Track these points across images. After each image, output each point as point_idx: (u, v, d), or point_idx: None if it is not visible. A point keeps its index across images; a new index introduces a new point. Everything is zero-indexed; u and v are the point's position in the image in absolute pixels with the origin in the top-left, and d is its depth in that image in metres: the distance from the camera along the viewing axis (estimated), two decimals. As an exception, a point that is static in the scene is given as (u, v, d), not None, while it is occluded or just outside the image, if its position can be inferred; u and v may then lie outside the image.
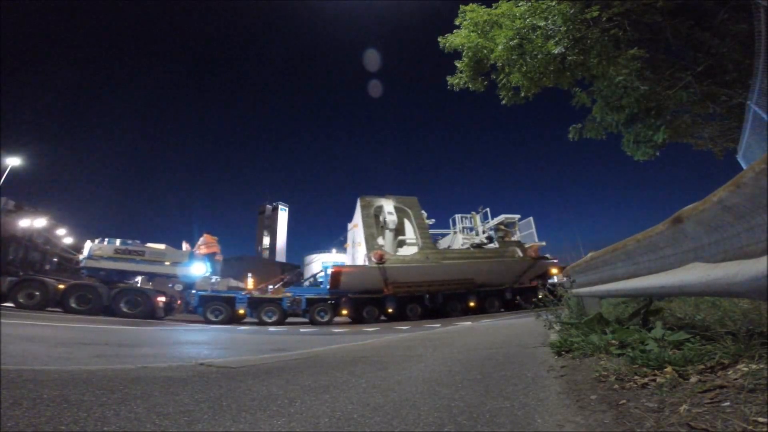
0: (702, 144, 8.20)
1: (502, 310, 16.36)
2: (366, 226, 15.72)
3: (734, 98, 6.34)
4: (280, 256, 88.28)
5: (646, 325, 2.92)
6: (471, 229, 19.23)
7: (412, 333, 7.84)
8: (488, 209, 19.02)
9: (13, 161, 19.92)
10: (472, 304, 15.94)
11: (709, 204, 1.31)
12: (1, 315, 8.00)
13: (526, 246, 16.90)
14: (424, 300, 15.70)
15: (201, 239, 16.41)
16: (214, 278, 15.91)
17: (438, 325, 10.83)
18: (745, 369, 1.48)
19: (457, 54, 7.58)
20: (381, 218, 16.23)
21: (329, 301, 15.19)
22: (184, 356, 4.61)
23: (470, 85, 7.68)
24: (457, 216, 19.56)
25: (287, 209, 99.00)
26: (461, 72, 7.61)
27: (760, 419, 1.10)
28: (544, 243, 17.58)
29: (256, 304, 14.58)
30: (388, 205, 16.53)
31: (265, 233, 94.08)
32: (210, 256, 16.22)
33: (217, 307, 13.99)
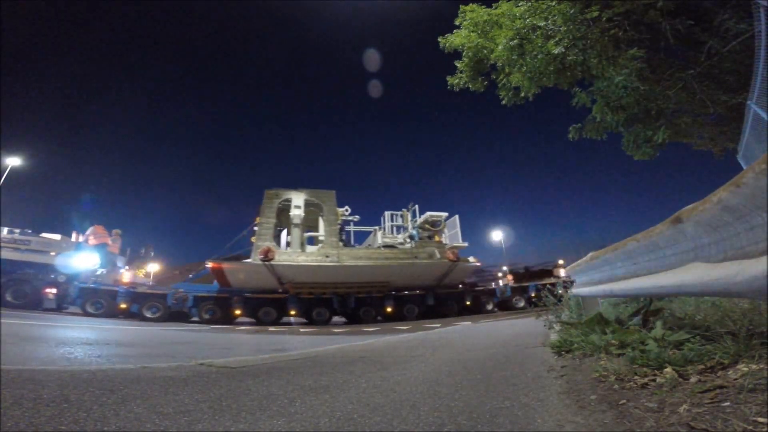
0: (702, 144, 8.20)
1: (421, 316, 15.26)
2: (264, 219, 14.70)
3: (734, 98, 6.34)
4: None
5: (646, 325, 2.92)
6: (403, 228, 18.13)
7: (412, 334, 7.84)
8: (417, 206, 17.71)
9: (13, 161, 19.93)
10: (389, 309, 14.84)
11: (709, 204, 1.30)
12: (0, 315, 7.99)
13: (446, 247, 15.94)
14: (332, 303, 14.44)
15: (89, 230, 15.90)
16: (99, 270, 15.24)
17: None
18: (745, 369, 1.48)
19: (457, 54, 7.59)
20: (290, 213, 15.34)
21: (220, 300, 13.89)
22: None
23: (470, 85, 7.69)
24: (387, 213, 18.35)
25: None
26: (461, 72, 7.61)
27: (760, 419, 1.10)
28: (466, 244, 16.82)
29: (139, 299, 13.54)
30: (297, 199, 15.50)
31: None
32: (100, 248, 15.63)
33: (97, 300, 13.16)
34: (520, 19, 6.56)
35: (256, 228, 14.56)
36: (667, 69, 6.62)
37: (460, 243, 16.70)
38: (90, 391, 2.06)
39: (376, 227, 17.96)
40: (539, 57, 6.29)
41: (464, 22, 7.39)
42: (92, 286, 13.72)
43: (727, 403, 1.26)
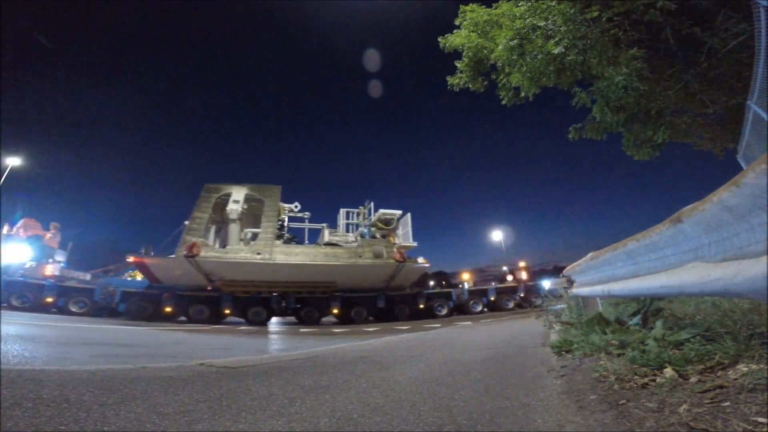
0: (702, 144, 8.20)
1: (371, 319, 14.76)
2: (197, 213, 14.10)
3: (734, 98, 6.34)
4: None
5: (646, 325, 2.92)
6: (357, 226, 17.48)
7: (412, 333, 7.84)
8: (372, 204, 17.00)
9: (13, 161, 19.93)
10: (335, 311, 14.16)
11: (709, 204, 1.30)
12: (0, 315, 7.99)
13: (394, 247, 15.21)
14: (271, 302, 13.79)
15: (20, 222, 15.53)
16: (28, 263, 14.66)
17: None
18: (745, 369, 1.48)
19: (457, 54, 7.59)
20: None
21: (149, 296, 13.19)
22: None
23: (470, 85, 7.68)
24: (342, 210, 17.61)
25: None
26: (461, 72, 7.61)
27: (760, 419, 1.10)
28: (415, 244, 16.17)
29: (66, 293, 12.94)
30: (237, 194, 14.86)
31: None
32: (33, 240, 15.15)
33: (23, 294, 12.58)
34: (520, 19, 6.56)
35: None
36: (667, 69, 6.62)
37: (410, 243, 16.05)
38: (90, 391, 2.06)
39: (324, 224, 17.06)
40: (539, 57, 6.29)
41: (464, 22, 7.39)
42: (19, 279, 13.16)
43: (727, 403, 1.26)
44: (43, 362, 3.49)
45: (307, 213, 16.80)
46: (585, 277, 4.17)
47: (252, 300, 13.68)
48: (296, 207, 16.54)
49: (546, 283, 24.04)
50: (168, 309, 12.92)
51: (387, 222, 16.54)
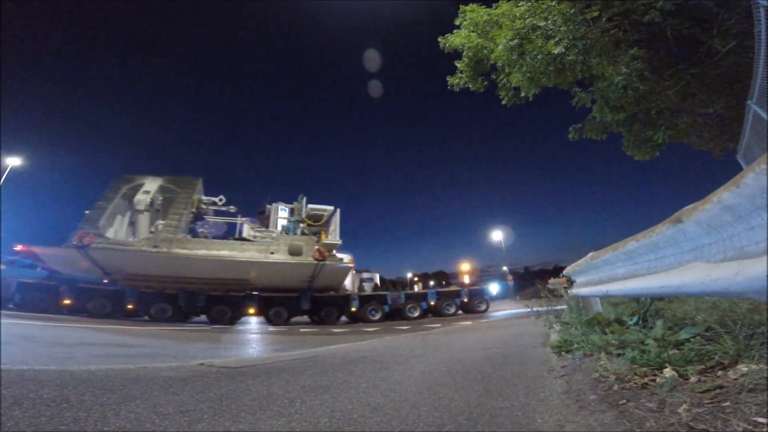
0: (702, 144, 8.21)
1: (305, 320, 14.15)
2: (101, 203, 13.48)
3: (734, 98, 6.34)
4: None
5: (646, 325, 2.92)
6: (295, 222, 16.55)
7: (412, 334, 7.84)
8: (305, 198, 16.33)
9: (13, 161, 19.94)
10: (251, 310, 13.46)
11: (709, 204, 1.30)
12: (0, 315, 7.99)
13: (316, 245, 14.45)
14: (178, 300, 12.87)
15: None
16: None
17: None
18: (745, 369, 1.48)
19: (457, 54, 7.59)
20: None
21: (46, 287, 12.33)
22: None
23: (470, 85, 7.69)
24: (273, 205, 16.72)
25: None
26: (461, 72, 7.61)
27: (760, 419, 1.10)
28: (339, 242, 15.51)
29: None
30: (150, 184, 14.21)
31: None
32: None
33: None
34: (520, 19, 6.56)
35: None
36: (667, 69, 6.63)
37: (334, 240, 15.41)
38: (90, 391, 2.06)
39: (245, 218, 16.16)
40: (539, 57, 6.29)
41: (464, 22, 7.39)
42: None
43: (727, 403, 1.26)
44: (44, 362, 3.49)
45: (232, 207, 16.02)
46: (585, 277, 4.17)
47: (157, 296, 12.77)
48: (220, 200, 15.80)
49: (494, 287, 23.53)
50: (67, 302, 11.99)
51: (316, 218, 15.87)
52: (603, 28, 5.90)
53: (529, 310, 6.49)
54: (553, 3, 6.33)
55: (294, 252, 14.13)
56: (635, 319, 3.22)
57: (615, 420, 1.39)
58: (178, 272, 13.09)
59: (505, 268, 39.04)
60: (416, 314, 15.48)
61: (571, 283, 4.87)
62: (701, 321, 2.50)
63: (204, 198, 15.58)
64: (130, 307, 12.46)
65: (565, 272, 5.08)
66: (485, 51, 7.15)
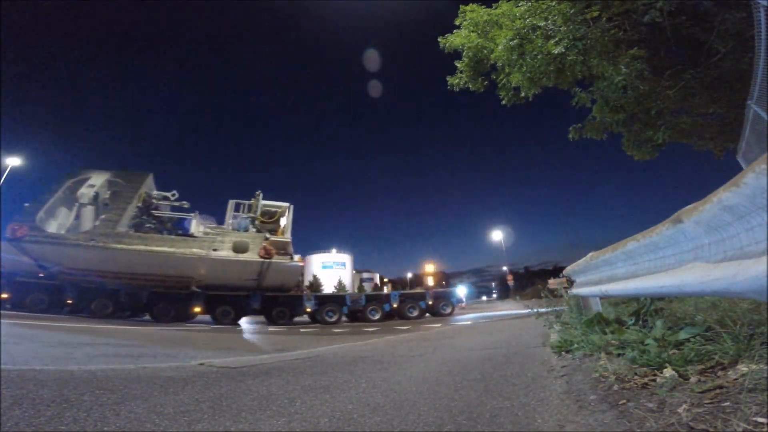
0: (702, 144, 8.21)
1: (235, 320, 13.55)
2: (40, 196, 13.27)
3: (734, 98, 6.34)
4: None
5: (646, 325, 2.92)
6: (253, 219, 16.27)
7: (412, 333, 7.84)
8: (261, 193, 15.85)
9: (13, 161, 19.95)
10: (197, 309, 13.13)
11: (709, 204, 1.30)
12: (1, 315, 8.00)
13: (265, 242, 14.03)
14: (119, 296, 12.54)
15: None
16: None
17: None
18: (745, 369, 1.48)
19: (457, 54, 7.59)
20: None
21: None
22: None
23: (470, 85, 7.68)
24: (231, 202, 16.30)
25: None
26: (461, 72, 7.61)
27: (760, 419, 1.10)
28: (288, 239, 14.91)
29: None
30: (96, 179, 13.99)
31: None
32: None
33: None
34: (520, 19, 6.56)
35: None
36: (667, 69, 6.63)
37: (284, 238, 14.91)
38: (90, 391, 2.06)
39: (194, 213, 15.65)
40: (539, 57, 6.29)
41: (464, 22, 7.39)
42: None
43: (727, 403, 1.26)
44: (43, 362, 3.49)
45: (185, 202, 15.66)
46: (585, 277, 4.17)
47: (98, 292, 12.44)
48: (173, 195, 15.55)
49: (461, 290, 23.24)
50: (4, 295, 11.62)
51: (270, 215, 15.54)
52: (603, 28, 5.90)
53: (529, 311, 6.49)
54: (553, 3, 6.33)
55: (239, 249, 13.75)
56: (635, 319, 3.23)
57: (615, 420, 1.39)
58: (116, 267, 12.72)
59: (505, 268, 39.05)
60: (377, 317, 15.00)
61: (571, 283, 4.87)
62: (701, 321, 2.50)
63: (154, 193, 15.30)
64: (69, 302, 12.11)
65: (565, 272, 5.08)
66: (485, 51, 7.15)
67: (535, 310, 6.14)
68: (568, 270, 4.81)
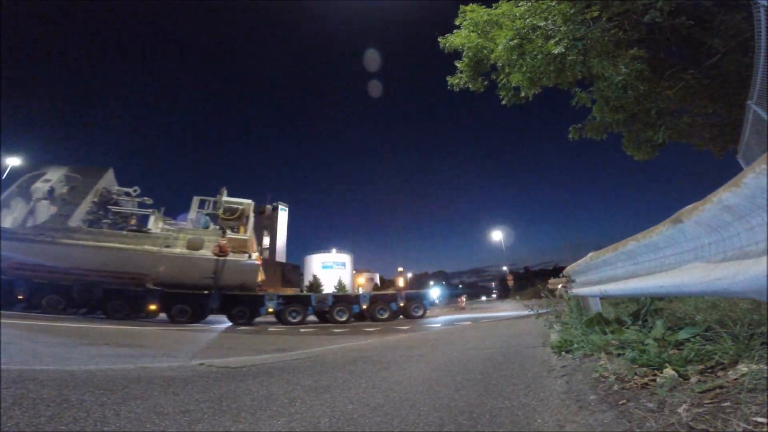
0: (702, 144, 8.21)
1: (192, 318, 13.22)
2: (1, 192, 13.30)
3: (734, 98, 6.34)
4: (280, 256, 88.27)
5: (646, 325, 2.92)
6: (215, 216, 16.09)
7: (412, 333, 7.84)
8: (225, 190, 15.71)
9: (13, 161, 19.95)
10: (153, 306, 12.90)
11: (709, 204, 1.30)
12: (1, 315, 8.00)
13: (221, 240, 13.82)
14: (72, 292, 12.32)
15: None
16: None
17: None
18: (745, 369, 1.48)
19: (457, 54, 7.59)
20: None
21: None
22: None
23: (470, 85, 7.68)
24: (196, 198, 15.96)
25: (287, 209, 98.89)
26: (461, 72, 7.61)
27: (760, 419, 1.10)
28: (245, 237, 14.69)
29: None
30: (53, 174, 13.90)
31: (265, 233, 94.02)
32: None
33: None
34: (520, 19, 6.56)
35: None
36: (667, 69, 6.63)
37: (241, 235, 14.69)
38: (90, 391, 2.06)
39: (155, 209, 15.47)
40: (539, 57, 6.29)
41: (464, 22, 7.39)
42: None
43: (727, 403, 1.26)
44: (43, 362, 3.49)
45: (147, 198, 15.52)
46: (585, 277, 4.17)
47: (50, 287, 12.22)
48: (135, 191, 15.37)
49: (435, 291, 22.77)
50: None
51: (232, 211, 15.25)
52: (603, 28, 5.90)
53: (516, 312, 6.48)
54: (553, 3, 6.33)
55: (193, 246, 13.57)
56: (635, 319, 3.22)
57: (615, 420, 1.39)
58: (68, 263, 12.52)
59: (505, 268, 39.09)
60: (344, 318, 14.73)
61: (570, 282, 4.87)
62: (701, 321, 2.50)
63: (115, 188, 15.14)
64: (20, 297, 11.90)
65: (565, 272, 5.09)
66: (485, 51, 7.15)
67: (536, 311, 6.14)
68: (568, 270, 4.81)
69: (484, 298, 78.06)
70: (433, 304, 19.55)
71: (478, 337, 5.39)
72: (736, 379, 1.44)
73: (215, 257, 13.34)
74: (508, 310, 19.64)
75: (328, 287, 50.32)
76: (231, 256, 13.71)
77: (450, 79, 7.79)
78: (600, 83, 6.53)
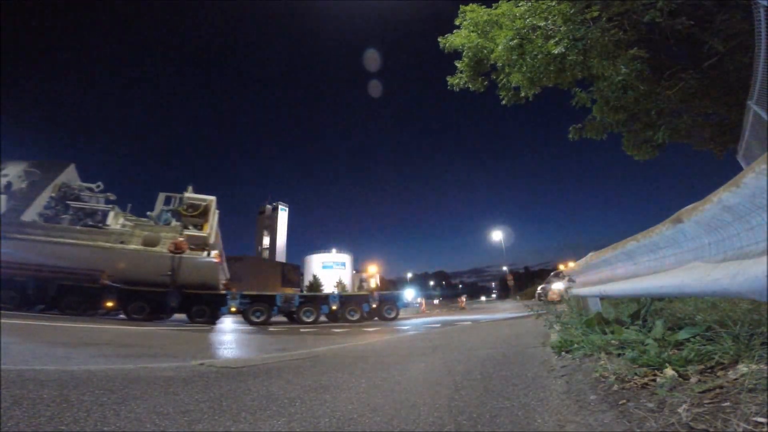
0: (702, 144, 8.21)
1: (152, 315, 13.07)
2: None
3: (734, 98, 6.34)
4: (280, 256, 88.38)
5: (646, 325, 2.92)
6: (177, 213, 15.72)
7: (412, 333, 7.84)
8: (191, 187, 15.45)
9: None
10: (109, 303, 12.79)
11: (709, 204, 1.31)
12: (1, 315, 8.00)
13: (178, 236, 13.57)
14: (26, 288, 12.21)
15: None
16: None
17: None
18: (745, 369, 1.48)
19: (457, 54, 7.59)
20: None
21: None
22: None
23: (470, 85, 7.69)
24: (161, 194, 15.62)
25: (287, 209, 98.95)
26: (461, 72, 7.61)
27: (760, 419, 1.10)
28: (204, 234, 14.39)
29: None
30: (11, 169, 13.78)
31: (265, 233, 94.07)
32: None
33: None
34: (520, 19, 6.56)
35: None
36: (667, 69, 6.63)
37: (200, 232, 14.35)
38: (90, 391, 2.06)
39: (114, 206, 15.18)
40: (539, 57, 6.29)
41: (464, 22, 7.39)
42: None
43: (727, 403, 1.26)
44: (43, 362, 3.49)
45: (111, 194, 15.25)
46: (585, 277, 4.18)
47: (3, 283, 11.95)
48: (98, 187, 15.19)
49: (409, 292, 22.23)
50: None
51: (194, 208, 14.92)
52: (603, 28, 5.90)
53: (508, 315, 6.49)
54: (553, 3, 6.33)
55: (149, 243, 13.37)
56: (635, 319, 3.22)
57: (615, 420, 1.39)
58: (21, 258, 12.38)
59: (505, 268, 39.10)
60: (311, 319, 14.38)
61: (571, 283, 4.87)
62: (701, 321, 2.50)
63: (76, 183, 14.94)
64: None
65: (565, 272, 5.09)
66: (485, 51, 7.15)
67: (536, 311, 6.15)
68: (569, 270, 4.82)
69: (483, 298, 78.08)
70: (406, 305, 19.07)
71: (478, 337, 5.39)
72: (736, 379, 1.44)
73: (170, 254, 13.05)
74: (508, 310, 19.63)
75: (328, 287, 50.28)
76: (188, 254, 13.43)
77: (450, 79, 7.79)
78: (600, 83, 6.54)
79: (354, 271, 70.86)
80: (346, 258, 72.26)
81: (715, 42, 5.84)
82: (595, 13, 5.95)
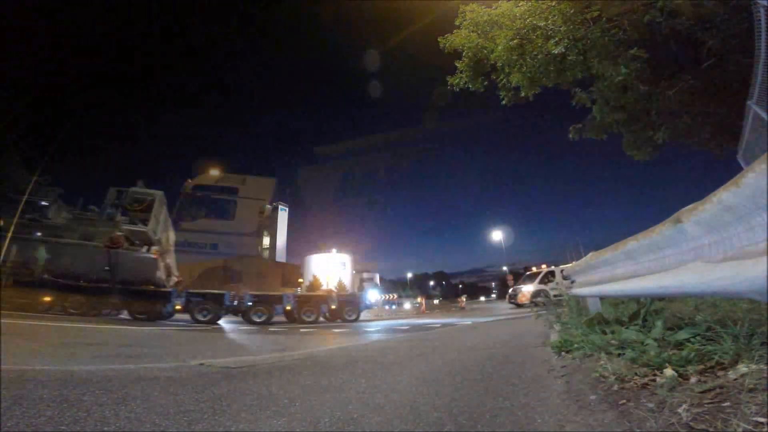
0: (702, 144, 8.21)
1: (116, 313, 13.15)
2: None
3: (734, 98, 6.34)
4: (280, 256, 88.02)
5: (646, 325, 2.92)
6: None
7: (412, 334, 7.84)
8: (141, 181, 15.38)
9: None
10: (47, 298, 12.58)
11: (709, 204, 1.31)
12: (1, 315, 7.99)
13: (116, 231, 13.37)
14: None
15: None
16: None
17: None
18: (745, 369, 1.48)
19: (457, 54, 7.59)
20: None
21: None
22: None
23: (470, 85, 7.68)
24: (112, 189, 15.31)
25: (287, 209, 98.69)
26: (461, 72, 7.61)
27: (760, 419, 1.10)
28: (144, 229, 14.22)
29: None
30: None
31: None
32: None
33: None
34: (520, 19, 6.56)
35: None
36: (667, 69, 6.63)
37: (140, 227, 14.12)
38: (90, 391, 2.06)
39: (56, 201, 14.95)
40: (539, 57, 6.29)
41: (464, 23, 7.39)
42: None
43: (727, 403, 1.26)
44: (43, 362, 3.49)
45: (57, 188, 15.00)
46: (585, 277, 4.17)
47: None
48: (45, 180, 14.94)
49: (373, 294, 21.80)
50: None
51: (140, 202, 14.67)
52: (603, 28, 5.90)
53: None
54: (553, 3, 6.33)
55: (87, 237, 13.26)
56: (635, 319, 3.22)
57: (615, 420, 1.39)
58: None
59: (505, 268, 39.09)
60: (263, 319, 13.95)
61: (571, 283, 4.87)
62: (701, 321, 2.49)
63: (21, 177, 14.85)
64: None
65: (565, 272, 5.09)
66: (485, 51, 7.15)
67: (536, 311, 6.14)
68: (569, 270, 4.81)
69: (483, 298, 78.04)
70: (369, 307, 18.72)
71: (478, 337, 5.39)
72: (736, 379, 1.44)
73: (106, 249, 12.92)
74: (508, 310, 19.61)
75: (328, 287, 50.19)
76: (125, 249, 13.32)
77: (450, 79, 7.79)
78: (600, 83, 6.53)
79: (354, 271, 70.80)
80: (346, 258, 72.20)
81: (715, 42, 5.84)
82: (595, 13, 5.94)
